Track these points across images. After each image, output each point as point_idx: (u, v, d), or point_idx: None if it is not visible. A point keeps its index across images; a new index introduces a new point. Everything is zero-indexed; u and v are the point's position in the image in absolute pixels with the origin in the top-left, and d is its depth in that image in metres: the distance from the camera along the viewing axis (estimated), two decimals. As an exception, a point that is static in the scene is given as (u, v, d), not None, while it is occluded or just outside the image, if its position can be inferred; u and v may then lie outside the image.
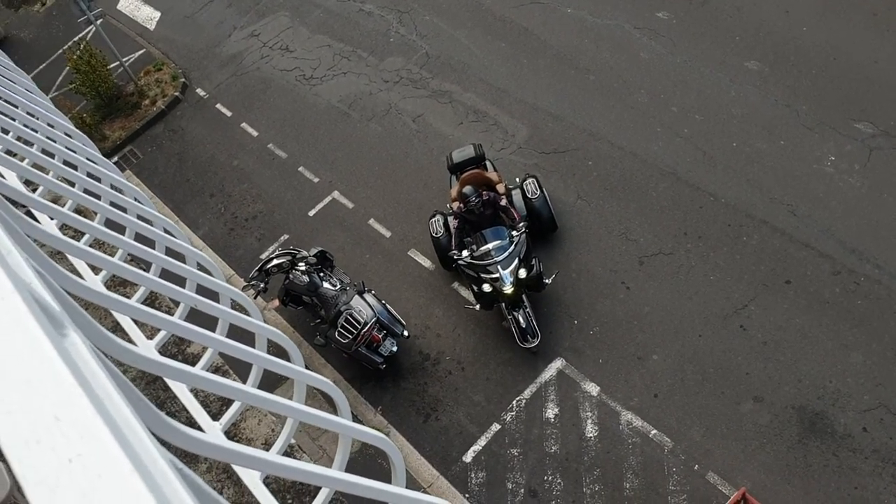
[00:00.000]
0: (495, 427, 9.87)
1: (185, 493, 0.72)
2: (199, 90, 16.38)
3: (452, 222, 10.30)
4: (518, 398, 10.00)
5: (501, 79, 13.76)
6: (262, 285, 10.75)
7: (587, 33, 13.83)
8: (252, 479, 2.28)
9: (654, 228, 10.95)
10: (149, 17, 19.01)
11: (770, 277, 10.01)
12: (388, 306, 10.53)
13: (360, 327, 9.98)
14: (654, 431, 9.23)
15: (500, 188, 10.67)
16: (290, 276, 10.66)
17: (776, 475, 8.55)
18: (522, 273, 9.63)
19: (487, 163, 11.38)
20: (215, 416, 2.73)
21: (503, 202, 10.28)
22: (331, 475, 1.78)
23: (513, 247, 9.75)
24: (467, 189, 10.09)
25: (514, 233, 9.92)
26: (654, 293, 10.29)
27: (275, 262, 10.77)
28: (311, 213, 13.03)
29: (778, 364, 9.28)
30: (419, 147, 13.25)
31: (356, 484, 1.83)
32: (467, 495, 9.43)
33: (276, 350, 3.12)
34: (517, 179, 11.41)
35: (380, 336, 10.19)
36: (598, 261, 10.85)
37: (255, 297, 11.07)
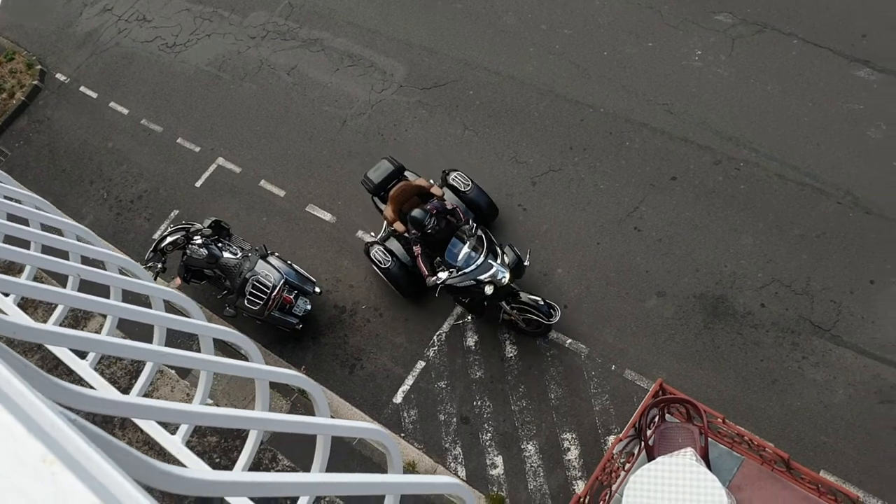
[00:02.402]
0: (420, 364, 10.03)
1: (63, 424, 0.72)
2: (58, 75, 15.50)
3: (416, 249, 9.36)
4: (438, 332, 10.17)
5: (370, 19, 13.56)
6: (159, 266, 10.45)
7: (449, -38, 13.71)
8: (174, 445, 2.28)
9: (541, 147, 11.15)
10: (-13, 4, 17.73)
11: (656, 177, 10.39)
12: (295, 266, 10.43)
13: (269, 291, 9.87)
14: (569, 341, 9.58)
15: (437, 191, 10.04)
16: (188, 251, 10.39)
17: (688, 362, 9.03)
18: (507, 258, 9.20)
19: (408, 173, 10.51)
20: (125, 391, 2.69)
21: (450, 205, 9.67)
22: (255, 416, 1.79)
23: (485, 241, 9.27)
24: (417, 213, 9.27)
25: (467, 229, 9.38)
26: (549, 210, 10.54)
27: (169, 239, 10.46)
28: (198, 183, 12.67)
29: (675, 258, 9.72)
30: (298, 100, 12.99)
31: (281, 421, 1.86)
32: (403, 434, 9.61)
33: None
34: (433, 181, 10.55)
35: (291, 297, 10.11)
36: (493, 188, 10.99)
37: (154, 279, 10.78)
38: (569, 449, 8.99)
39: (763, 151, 10.15)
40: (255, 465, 8.63)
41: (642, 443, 7.09)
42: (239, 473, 1.31)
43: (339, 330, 10.60)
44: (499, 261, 9.08)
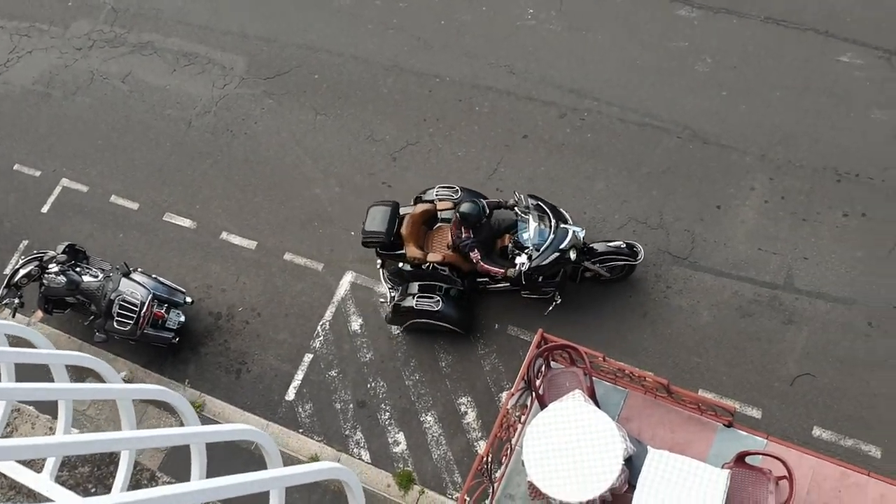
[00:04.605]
0: (308, 357, 9.96)
1: None
2: None
3: (474, 256, 8.55)
4: (321, 322, 10.11)
5: (200, 15, 13.12)
6: (16, 301, 9.89)
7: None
8: (42, 483, 2.18)
9: (395, 123, 11.19)
10: None
11: (508, 137, 10.65)
12: (161, 278, 10.10)
13: (137, 309, 9.52)
14: (450, 308, 9.73)
15: (443, 205, 9.15)
16: (45, 281, 9.86)
17: (564, 309, 9.32)
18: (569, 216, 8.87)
19: (402, 209, 9.38)
20: (-18, 441, 2.55)
21: (483, 201, 8.86)
22: (119, 437, 1.77)
23: (545, 207, 8.71)
24: (468, 207, 8.48)
25: (514, 203, 8.78)
26: (413, 183, 10.59)
27: (22, 272, 9.91)
28: (44, 209, 11.97)
29: (538, 212, 10.00)
30: (138, 107, 12.46)
31: (151, 437, 1.84)
32: (301, 430, 9.54)
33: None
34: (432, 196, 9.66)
35: (162, 311, 9.79)
36: (354, 169, 10.97)
37: (13, 316, 10.18)
38: (466, 413, 9.18)
39: (603, 99, 10.58)
40: (135, 487, 8.35)
41: (533, 393, 7.33)
42: (97, 499, 1.28)
43: (218, 336, 10.36)
44: (570, 221, 8.66)
